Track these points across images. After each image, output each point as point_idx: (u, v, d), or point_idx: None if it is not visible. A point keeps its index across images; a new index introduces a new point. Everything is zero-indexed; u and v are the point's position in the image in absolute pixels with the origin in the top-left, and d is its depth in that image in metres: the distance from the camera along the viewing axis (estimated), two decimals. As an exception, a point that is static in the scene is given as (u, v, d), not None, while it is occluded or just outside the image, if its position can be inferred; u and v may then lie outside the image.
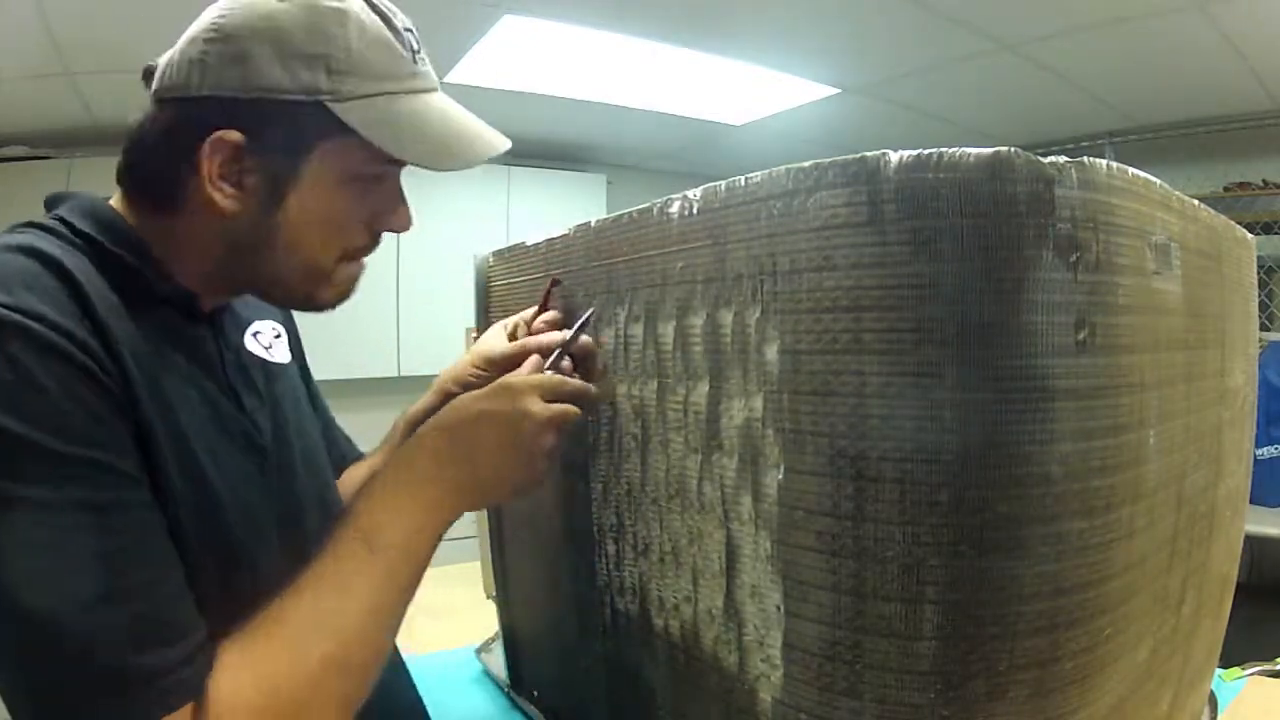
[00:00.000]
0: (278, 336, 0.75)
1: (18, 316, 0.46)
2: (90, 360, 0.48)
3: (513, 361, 0.72)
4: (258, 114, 0.55)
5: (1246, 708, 0.99)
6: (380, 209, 0.63)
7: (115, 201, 0.60)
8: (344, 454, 0.88)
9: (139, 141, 0.58)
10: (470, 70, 2.72)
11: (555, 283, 0.77)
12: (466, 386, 0.76)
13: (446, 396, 0.77)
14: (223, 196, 0.56)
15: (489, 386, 0.63)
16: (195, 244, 0.59)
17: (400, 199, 0.64)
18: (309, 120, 0.56)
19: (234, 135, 0.55)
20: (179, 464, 0.53)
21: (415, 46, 0.61)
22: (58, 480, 0.45)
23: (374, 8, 0.59)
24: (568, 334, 0.71)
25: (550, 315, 0.76)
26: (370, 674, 0.55)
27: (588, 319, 0.70)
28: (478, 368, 0.78)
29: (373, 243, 0.64)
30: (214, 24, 0.56)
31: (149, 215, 0.59)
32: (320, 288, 0.63)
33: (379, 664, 0.56)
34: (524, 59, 2.69)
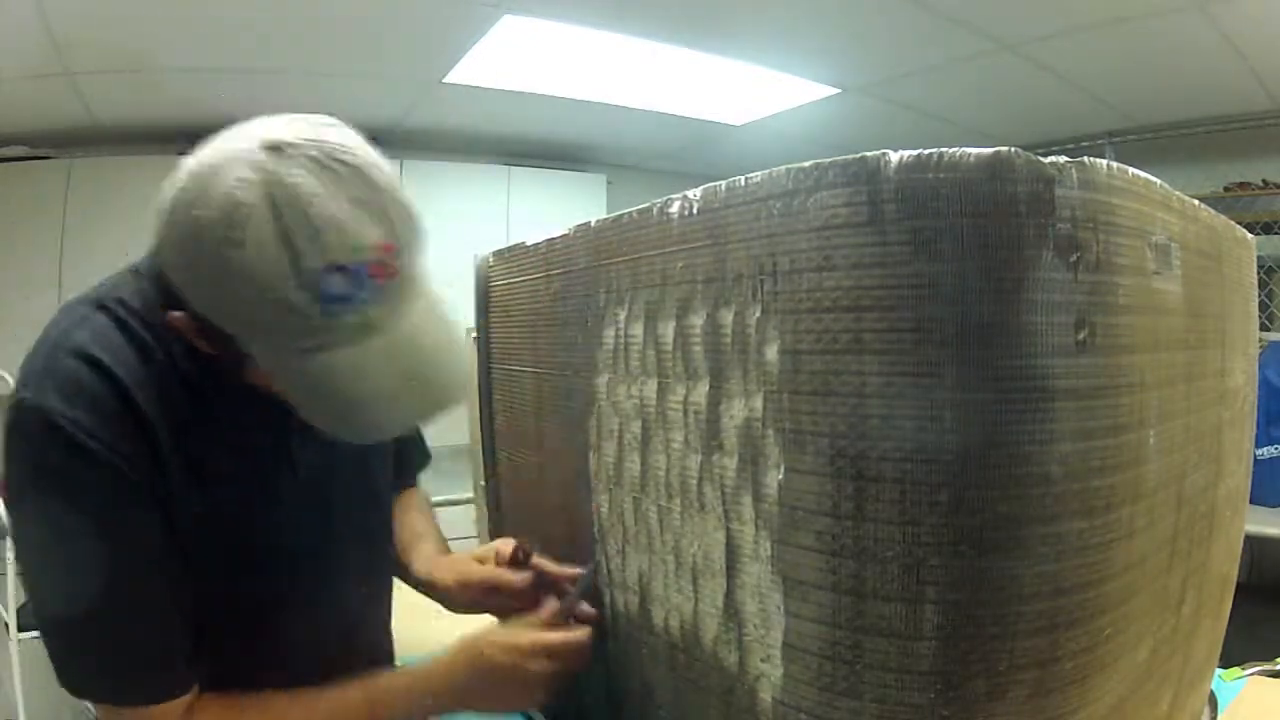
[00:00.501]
0: None
1: (55, 418, 0.58)
2: (114, 456, 0.60)
3: (481, 591, 0.84)
4: (211, 326, 0.58)
5: (1246, 708, 0.99)
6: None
7: None
8: (404, 475, 0.98)
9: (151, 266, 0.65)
10: (470, 70, 2.72)
11: (524, 549, 0.84)
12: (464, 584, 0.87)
13: (452, 594, 0.88)
14: (202, 347, 0.62)
15: (502, 639, 0.73)
16: None
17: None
18: (229, 340, 0.58)
19: (184, 319, 0.60)
20: (205, 508, 0.65)
21: (339, 292, 0.53)
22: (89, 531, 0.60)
23: (288, 241, 0.52)
24: (571, 572, 0.79)
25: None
26: None
27: (591, 572, 0.77)
28: (460, 584, 0.87)
29: None
30: (164, 212, 0.56)
31: None
32: None
33: None
34: (524, 59, 2.68)
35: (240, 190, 0.52)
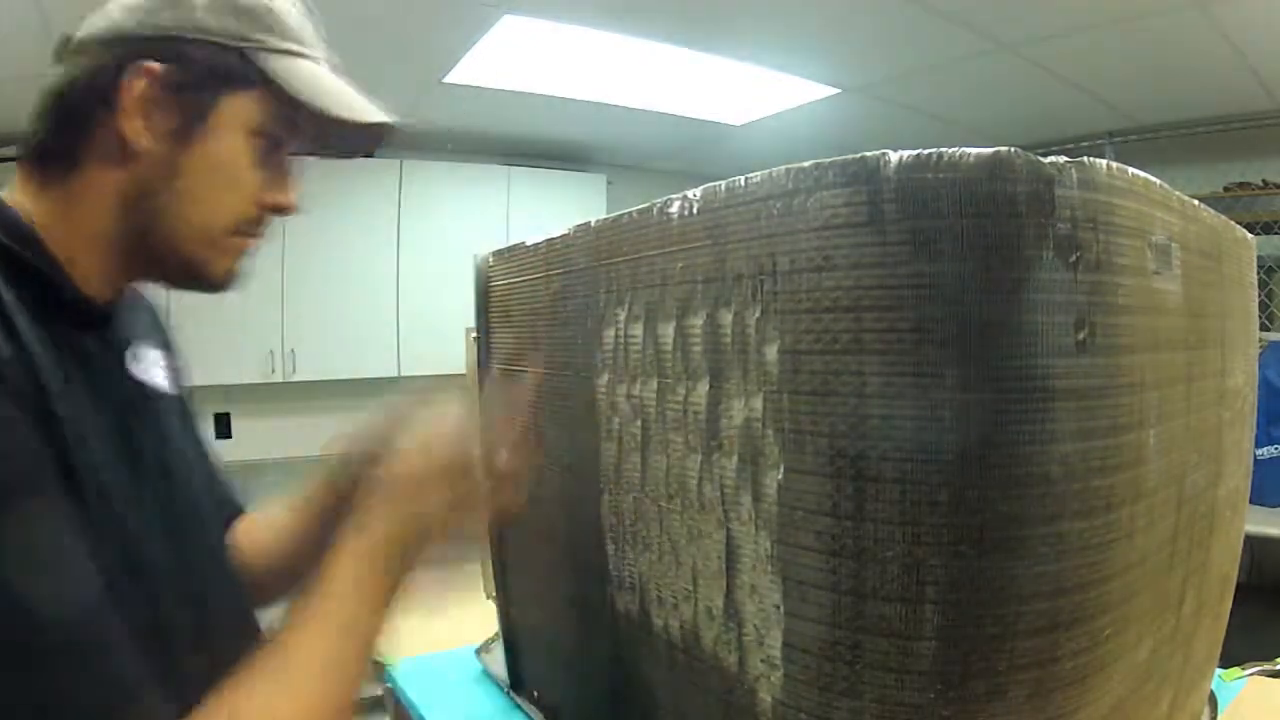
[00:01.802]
0: (161, 366, 0.72)
1: None
2: (14, 385, 0.46)
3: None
4: (182, 52, 0.57)
5: (1246, 708, 0.99)
6: (272, 181, 0.64)
7: (8, 194, 0.59)
8: (234, 504, 0.84)
9: (58, 96, 0.59)
10: (470, 70, 2.72)
11: None
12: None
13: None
14: (133, 131, 0.57)
15: (405, 449, 0.65)
16: (94, 202, 0.58)
17: (290, 176, 0.66)
18: (231, 65, 0.59)
19: (156, 65, 0.56)
20: (95, 494, 0.51)
21: (319, 29, 0.66)
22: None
23: None
24: None
25: None
26: None
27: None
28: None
29: (260, 221, 0.65)
30: None
31: (44, 186, 0.58)
32: (213, 255, 0.62)
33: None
34: (524, 59, 2.68)
35: None
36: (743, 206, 0.54)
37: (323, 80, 0.63)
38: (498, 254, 0.94)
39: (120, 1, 0.59)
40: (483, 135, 3.57)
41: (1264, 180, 3.30)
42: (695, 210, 0.59)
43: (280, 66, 0.61)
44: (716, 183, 0.57)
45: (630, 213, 0.67)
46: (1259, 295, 0.79)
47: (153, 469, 0.62)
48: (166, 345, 0.76)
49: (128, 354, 0.67)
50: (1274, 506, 2.45)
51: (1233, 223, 0.69)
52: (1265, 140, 3.17)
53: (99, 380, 0.58)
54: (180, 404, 0.75)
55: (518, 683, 1.02)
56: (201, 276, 0.64)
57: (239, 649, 0.59)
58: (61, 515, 0.47)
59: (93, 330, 0.61)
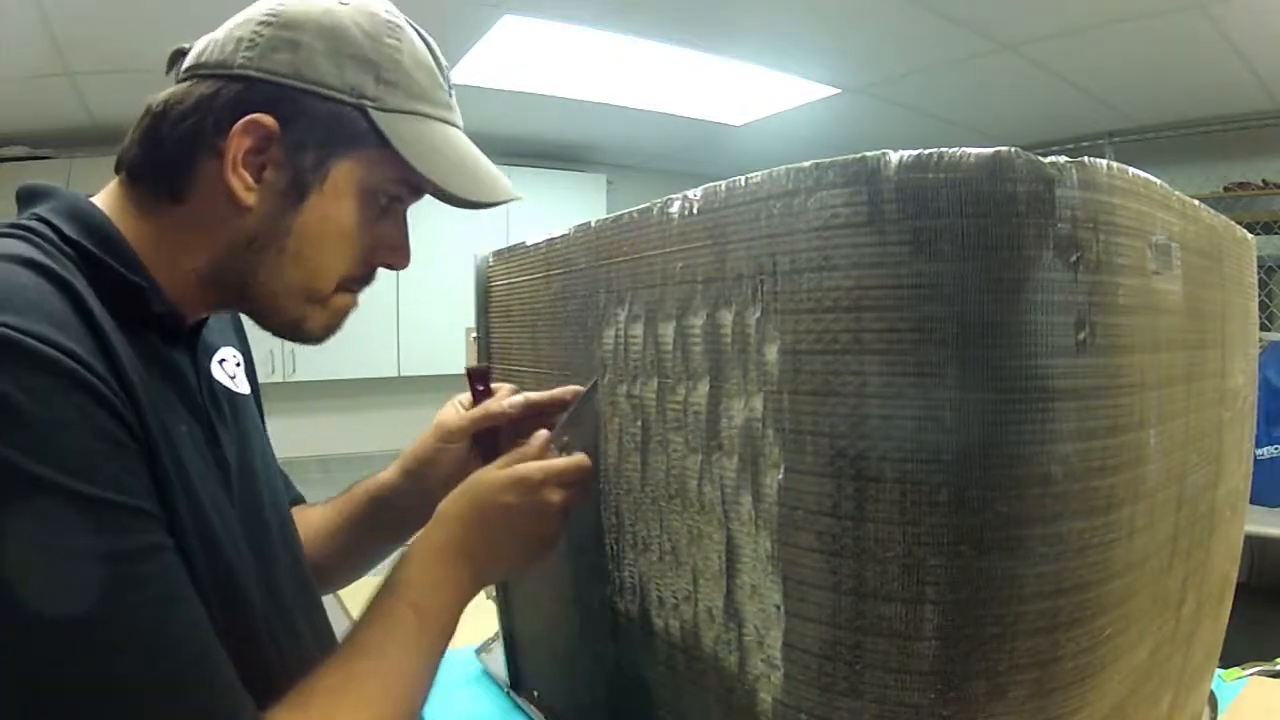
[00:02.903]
0: (239, 365, 0.71)
1: (34, 342, 0.40)
2: (111, 395, 0.43)
3: (474, 429, 0.75)
4: (298, 104, 0.54)
5: (1246, 708, 0.99)
6: (385, 240, 0.61)
7: (100, 200, 0.56)
8: (293, 493, 0.84)
9: (157, 119, 0.55)
10: (470, 70, 2.72)
11: (475, 374, 0.77)
12: (432, 463, 0.78)
13: (410, 475, 0.79)
14: (242, 186, 0.54)
15: (507, 477, 0.64)
16: (195, 241, 0.56)
17: (405, 235, 0.63)
18: (347, 123, 0.55)
19: (270, 120, 0.53)
20: (186, 504, 0.50)
21: (450, 82, 0.63)
22: (86, 528, 0.41)
23: (421, 36, 0.61)
24: (564, 392, 0.73)
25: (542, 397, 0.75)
26: None
27: (592, 392, 0.71)
28: (442, 442, 0.78)
29: (369, 277, 0.63)
30: (272, 10, 0.55)
31: (144, 209, 0.55)
32: (314, 311, 0.60)
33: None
34: (524, 59, 2.68)
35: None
36: (743, 206, 0.54)
37: (448, 149, 0.60)
38: (498, 254, 0.94)
39: (232, 28, 0.55)
40: (483, 135, 3.57)
41: (1264, 180, 3.30)
42: (695, 210, 0.59)
43: (404, 131, 0.57)
44: (716, 183, 0.57)
45: (630, 213, 0.67)
46: (1259, 295, 0.79)
47: (238, 476, 0.61)
48: (244, 346, 0.75)
49: (214, 361, 0.67)
50: (1274, 506, 2.45)
51: (1233, 223, 0.69)
52: (1265, 140, 3.17)
53: (186, 393, 0.58)
54: (256, 402, 0.75)
55: (518, 683, 1.02)
56: (298, 331, 0.61)
57: (313, 642, 0.64)
58: (167, 538, 0.46)
59: (181, 343, 0.59)
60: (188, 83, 0.55)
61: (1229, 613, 0.78)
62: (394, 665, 0.56)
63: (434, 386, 3.53)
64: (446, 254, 3.63)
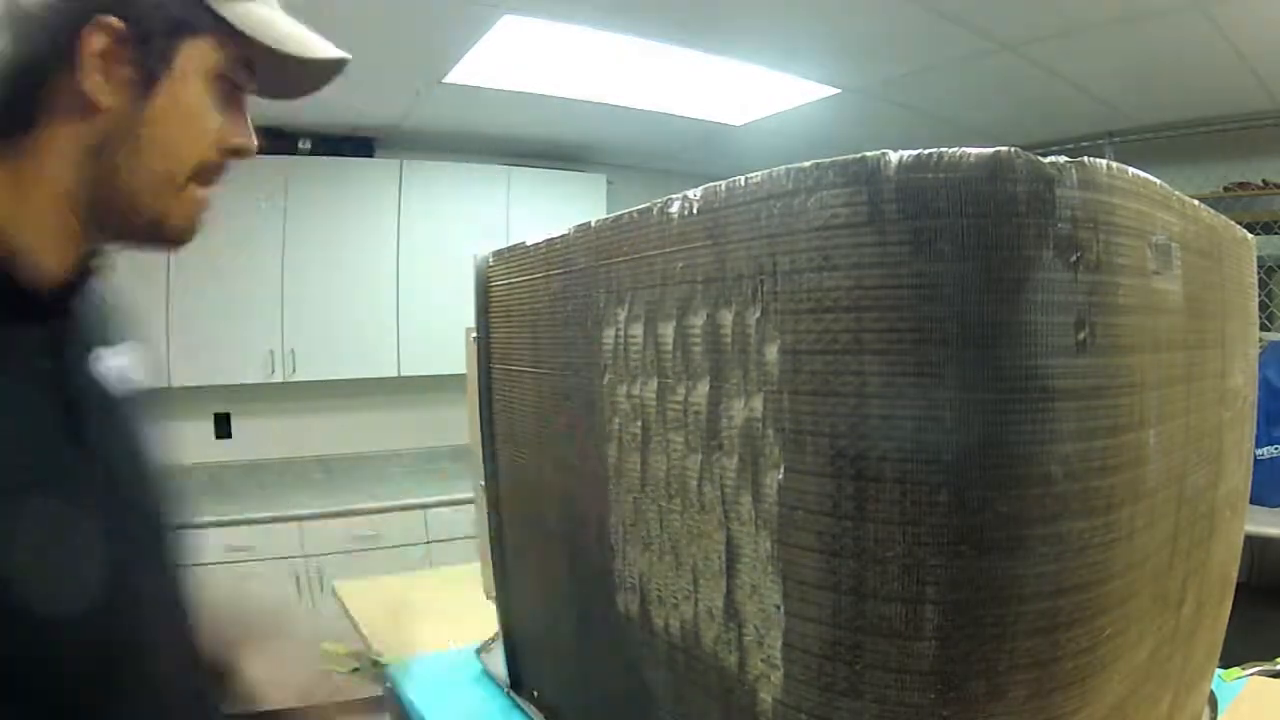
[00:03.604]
0: (119, 364, 0.69)
1: None
2: None
3: None
4: (136, 3, 0.56)
5: (1246, 708, 0.99)
6: (231, 126, 0.64)
7: None
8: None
9: None
10: (470, 70, 2.72)
11: None
12: None
13: None
14: (95, 87, 0.56)
15: None
16: (53, 163, 0.57)
17: (248, 122, 0.65)
18: (186, 12, 0.58)
19: (114, 21, 0.55)
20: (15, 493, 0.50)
21: None
22: None
23: None
24: None
25: None
26: None
27: None
28: None
29: (220, 168, 0.64)
30: None
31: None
32: (173, 205, 0.61)
33: None
34: (524, 59, 2.68)
35: None
36: (743, 206, 0.54)
37: (276, 22, 0.64)
38: (498, 254, 0.94)
39: None
40: (483, 135, 3.57)
41: (1264, 180, 3.30)
42: (695, 210, 0.59)
43: (234, 11, 0.61)
44: (716, 183, 0.57)
45: (630, 213, 0.67)
46: (1259, 295, 0.79)
47: (101, 472, 0.60)
48: (130, 343, 0.72)
49: (91, 355, 0.64)
50: (1274, 506, 2.45)
51: (1233, 223, 0.69)
52: (1265, 140, 3.17)
53: (41, 377, 0.57)
54: (143, 403, 0.72)
55: (518, 683, 1.02)
56: (162, 228, 0.62)
57: (172, 667, 0.62)
58: None
59: (39, 324, 0.58)
60: (32, 22, 0.56)
61: (1229, 613, 0.78)
62: None
63: (434, 386, 3.53)
64: (446, 254, 3.63)
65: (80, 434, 0.58)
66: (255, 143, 0.66)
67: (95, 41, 0.55)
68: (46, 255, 0.58)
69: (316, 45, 0.65)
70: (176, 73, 0.59)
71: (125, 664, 0.58)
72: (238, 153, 0.65)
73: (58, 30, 0.56)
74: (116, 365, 0.68)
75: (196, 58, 0.60)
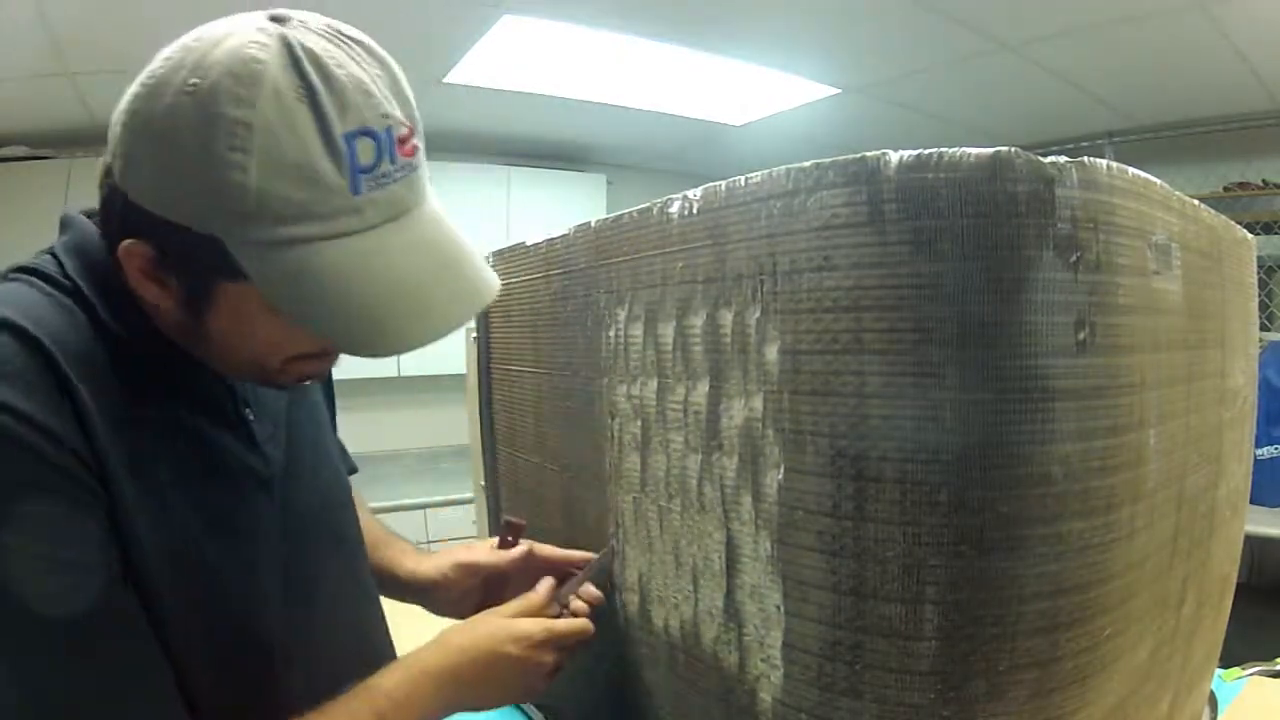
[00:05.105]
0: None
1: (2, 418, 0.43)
2: (65, 455, 0.46)
3: (496, 572, 0.78)
4: (162, 231, 0.47)
5: (1246, 708, 0.99)
6: (301, 349, 0.55)
7: None
8: (347, 463, 0.84)
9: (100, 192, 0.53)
10: (470, 70, 2.72)
11: (511, 526, 0.80)
12: (447, 587, 0.80)
13: (426, 587, 0.81)
14: (148, 293, 0.51)
15: (510, 629, 0.65)
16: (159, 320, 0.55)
17: (330, 351, 0.57)
18: (208, 254, 0.47)
19: (142, 248, 0.49)
20: (160, 534, 0.51)
21: (365, 162, 0.46)
22: (29, 577, 0.43)
23: (312, 98, 0.45)
24: (582, 557, 0.75)
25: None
26: None
27: (607, 557, 0.73)
28: (465, 574, 0.80)
29: (316, 355, 0.56)
30: (134, 95, 0.47)
31: None
32: (276, 378, 0.57)
33: None
34: (524, 59, 2.68)
35: (253, 48, 0.44)
36: (743, 206, 0.54)
37: (338, 283, 0.47)
38: (498, 254, 0.94)
39: (119, 111, 0.49)
40: (483, 135, 3.57)
41: (1264, 180, 3.30)
42: (695, 210, 0.59)
43: (264, 272, 0.47)
44: (716, 183, 0.57)
45: (630, 213, 0.67)
46: (1259, 295, 0.79)
47: (283, 474, 0.63)
48: None
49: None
50: (1274, 506, 2.45)
51: (1233, 223, 0.69)
52: (1265, 140, 3.17)
53: (211, 408, 0.58)
54: (319, 391, 0.77)
55: (518, 683, 1.02)
56: (275, 386, 0.60)
57: (354, 650, 0.67)
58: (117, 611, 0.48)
59: (193, 360, 0.56)
60: (103, 179, 0.52)
61: (1229, 613, 0.78)
62: None
63: (434, 386, 3.52)
64: (446, 254, 3.63)
65: (254, 441, 0.61)
66: (326, 371, 0.61)
67: (132, 261, 0.50)
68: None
69: (386, 328, 0.49)
70: (223, 307, 0.51)
71: (304, 637, 0.63)
72: (307, 379, 0.60)
73: (110, 225, 0.51)
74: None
75: (242, 296, 0.49)
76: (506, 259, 0.92)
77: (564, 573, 0.74)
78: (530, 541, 0.80)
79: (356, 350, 0.50)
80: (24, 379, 0.45)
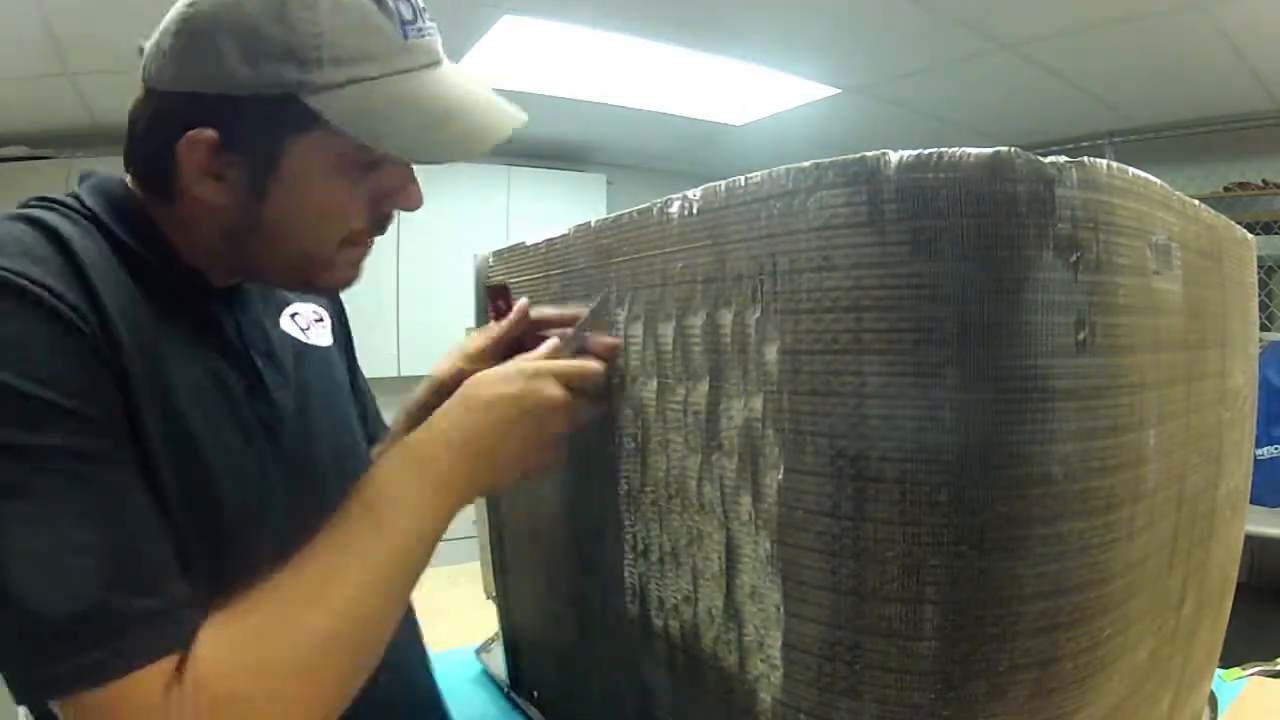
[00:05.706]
0: (319, 320, 0.76)
1: (6, 274, 0.46)
2: (78, 319, 0.47)
3: (498, 347, 0.73)
4: (226, 110, 0.53)
5: (1246, 708, 0.99)
6: (385, 190, 0.60)
7: (132, 180, 0.60)
8: (371, 429, 0.85)
9: (132, 129, 0.58)
10: (470, 70, 2.73)
11: (495, 290, 0.76)
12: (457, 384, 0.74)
13: (438, 395, 0.72)
14: (206, 191, 0.56)
15: (502, 368, 0.62)
16: (195, 230, 0.59)
17: (408, 178, 0.61)
18: (280, 115, 0.54)
19: (207, 134, 0.53)
20: (170, 439, 0.51)
21: (408, 16, 0.57)
22: (33, 424, 0.44)
23: None
24: (582, 312, 0.70)
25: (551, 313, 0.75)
26: (370, 653, 0.53)
27: (604, 302, 0.69)
28: (466, 363, 0.74)
29: (377, 225, 0.62)
30: (182, 14, 0.54)
31: (155, 202, 0.59)
32: (319, 273, 0.61)
33: (380, 643, 0.53)
34: (524, 59, 2.69)
35: None
36: (743, 206, 0.54)
37: (401, 108, 0.56)
38: (498, 254, 0.94)
39: (157, 36, 0.55)
40: (483, 135, 3.58)
41: (1264, 180, 3.30)
42: (695, 210, 0.59)
43: (340, 108, 0.54)
44: (716, 183, 0.57)
45: (630, 213, 0.67)
46: (1259, 295, 0.79)
47: (293, 425, 0.64)
48: (334, 301, 0.80)
49: (285, 315, 0.71)
50: (1274, 506, 2.45)
51: (1233, 223, 0.69)
52: (1265, 140, 3.17)
53: (222, 344, 0.61)
54: (347, 355, 0.80)
55: (517, 683, 1.02)
56: (310, 289, 0.65)
57: None
58: (115, 462, 0.47)
59: (218, 298, 0.62)
60: (142, 93, 0.58)
61: (1229, 613, 0.78)
62: (332, 578, 0.51)
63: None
64: (446, 254, 3.63)
65: (264, 387, 0.63)
66: (419, 199, 0.62)
67: (193, 154, 0.54)
68: (214, 276, 0.62)
69: (450, 139, 0.58)
70: (289, 171, 0.56)
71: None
72: (402, 208, 0.62)
73: (161, 133, 0.55)
74: (306, 319, 0.74)
75: (309, 153, 0.56)
76: (506, 259, 0.92)
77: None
78: (522, 299, 0.76)
79: (422, 157, 0.58)
80: (45, 260, 0.49)
